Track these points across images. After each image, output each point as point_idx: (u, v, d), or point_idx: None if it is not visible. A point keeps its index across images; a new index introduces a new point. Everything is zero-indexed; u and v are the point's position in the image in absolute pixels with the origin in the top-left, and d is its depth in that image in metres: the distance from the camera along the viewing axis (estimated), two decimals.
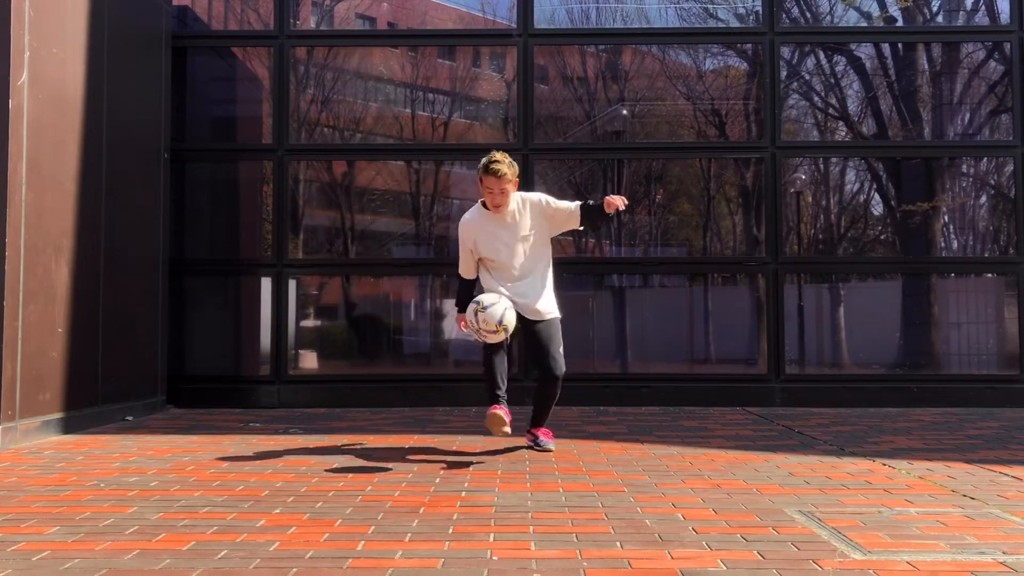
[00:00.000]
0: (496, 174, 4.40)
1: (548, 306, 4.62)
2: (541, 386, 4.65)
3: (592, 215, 4.55)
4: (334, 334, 7.82)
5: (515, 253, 4.56)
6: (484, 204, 4.57)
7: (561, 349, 4.58)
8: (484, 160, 4.46)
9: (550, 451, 4.61)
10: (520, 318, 4.46)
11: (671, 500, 3.41)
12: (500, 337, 4.31)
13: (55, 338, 5.34)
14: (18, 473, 4.07)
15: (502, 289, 4.54)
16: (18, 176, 4.98)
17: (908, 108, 7.66)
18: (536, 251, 4.60)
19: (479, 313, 4.28)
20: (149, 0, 6.70)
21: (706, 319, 7.62)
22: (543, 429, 4.76)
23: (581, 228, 4.67)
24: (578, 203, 4.59)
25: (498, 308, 4.28)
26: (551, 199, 4.64)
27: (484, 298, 4.35)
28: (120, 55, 6.13)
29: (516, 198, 4.57)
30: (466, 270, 4.74)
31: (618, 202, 4.41)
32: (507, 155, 4.50)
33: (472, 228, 4.62)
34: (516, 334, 4.48)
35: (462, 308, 4.70)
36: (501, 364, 4.43)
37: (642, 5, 7.80)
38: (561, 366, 4.53)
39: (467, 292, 4.74)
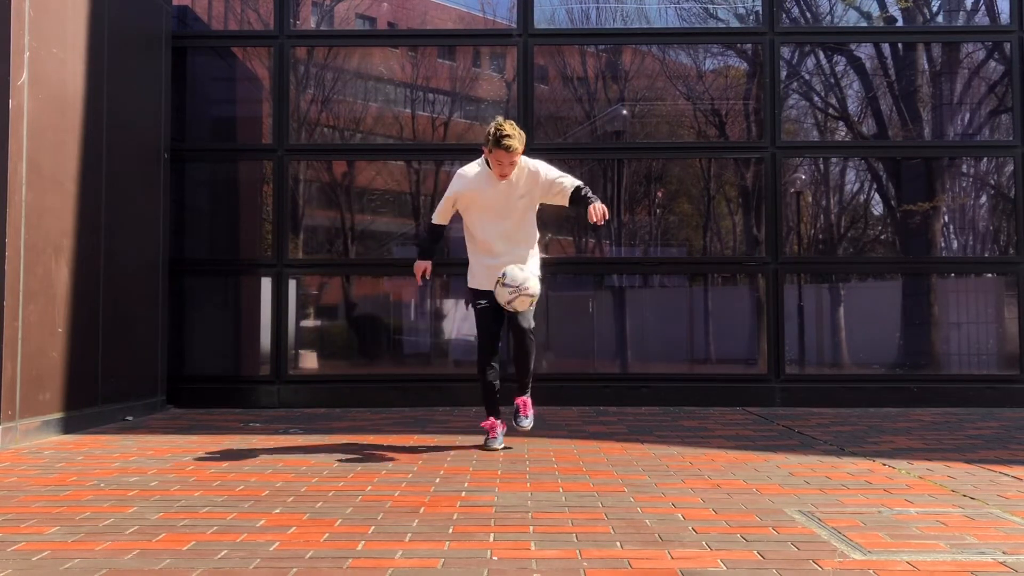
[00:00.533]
0: (508, 149, 4.38)
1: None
2: (513, 344, 4.75)
3: (581, 204, 4.58)
4: (334, 334, 7.82)
5: (503, 217, 4.56)
6: (487, 163, 4.56)
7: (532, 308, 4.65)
8: (494, 132, 4.39)
9: (525, 428, 4.71)
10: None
11: (671, 500, 3.41)
12: (517, 299, 4.36)
13: (55, 338, 5.34)
14: (18, 473, 4.07)
15: (485, 263, 4.60)
16: (18, 176, 4.98)
17: (908, 108, 7.66)
18: (523, 219, 4.63)
19: (505, 275, 4.38)
20: (149, 0, 6.70)
21: (706, 319, 7.62)
22: (525, 398, 4.77)
23: (567, 206, 4.73)
24: (575, 185, 4.59)
25: (520, 274, 4.38)
26: (550, 170, 4.64)
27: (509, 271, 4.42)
28: (120, 55, 6.13)
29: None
30: (442, 216, 4.75)
31: (597, 216, 4.44)
32: (514, 124, 4.47)
33: (469, 183, 4.61)
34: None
35: (423, 256, 4.84)
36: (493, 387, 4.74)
37: (642, 5, 7.80)
38: (529, 321, 4.59)
39: (433, 240, 4.87)
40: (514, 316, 4.55)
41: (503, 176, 4.50)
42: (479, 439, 5.03)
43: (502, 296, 4.39)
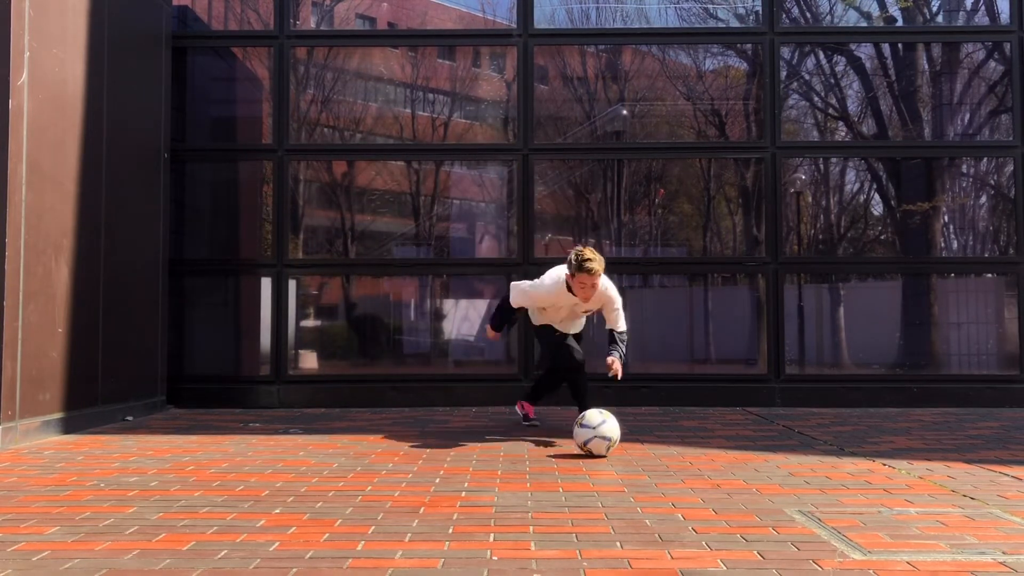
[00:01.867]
0: (590, 272, 4.79)
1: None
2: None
3: (609, 343, 5.08)
4: (334, 334, 7.82)
5: (574, 318, 5.27)
6: (568, 285, 4.93)
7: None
8: (575, 259, 4.81)
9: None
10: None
11: (671, 500, 3.41)
12: (593, 442, 4.50)
13: (55, 338, 5.34)
14: (18, 473, 4.07)
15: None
16: (18, 176, 4.98)
17: (908, 108, 7.66)
18: (583, 320, 5.36)
19: (596, 439, 4.48)
20: (149, 0, 6.70)
21: (706, 319, 7.61)
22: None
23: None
24: (610, 328, 5.03)
25: (598, 416, 4.53)
26: (614, 304, 5.00)
27: (600, 425, 4.49)
28: (120, 55, 6.13)
29: None
30: (519, 305, 5.22)
31: (614, 371, 4.85)
32: (593, 249, 4.84)
33: (549, 299, 5.11)
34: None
35: (496, 328, 5.37)
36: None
37: (642, 5, 7.80)
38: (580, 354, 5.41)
39: (505, 318, 5.35)
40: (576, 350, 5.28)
41: (586, 299, 4.94)
42: (479, 439, 5.04)
43: (579, 437, 4.48)
